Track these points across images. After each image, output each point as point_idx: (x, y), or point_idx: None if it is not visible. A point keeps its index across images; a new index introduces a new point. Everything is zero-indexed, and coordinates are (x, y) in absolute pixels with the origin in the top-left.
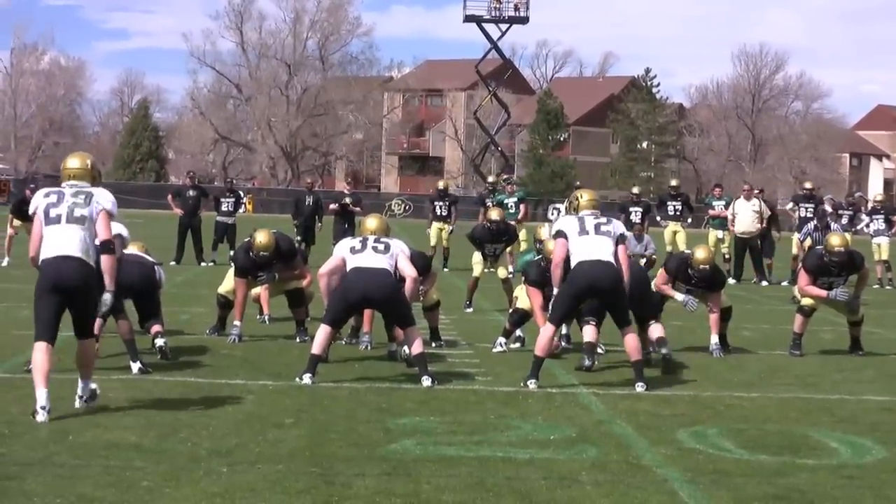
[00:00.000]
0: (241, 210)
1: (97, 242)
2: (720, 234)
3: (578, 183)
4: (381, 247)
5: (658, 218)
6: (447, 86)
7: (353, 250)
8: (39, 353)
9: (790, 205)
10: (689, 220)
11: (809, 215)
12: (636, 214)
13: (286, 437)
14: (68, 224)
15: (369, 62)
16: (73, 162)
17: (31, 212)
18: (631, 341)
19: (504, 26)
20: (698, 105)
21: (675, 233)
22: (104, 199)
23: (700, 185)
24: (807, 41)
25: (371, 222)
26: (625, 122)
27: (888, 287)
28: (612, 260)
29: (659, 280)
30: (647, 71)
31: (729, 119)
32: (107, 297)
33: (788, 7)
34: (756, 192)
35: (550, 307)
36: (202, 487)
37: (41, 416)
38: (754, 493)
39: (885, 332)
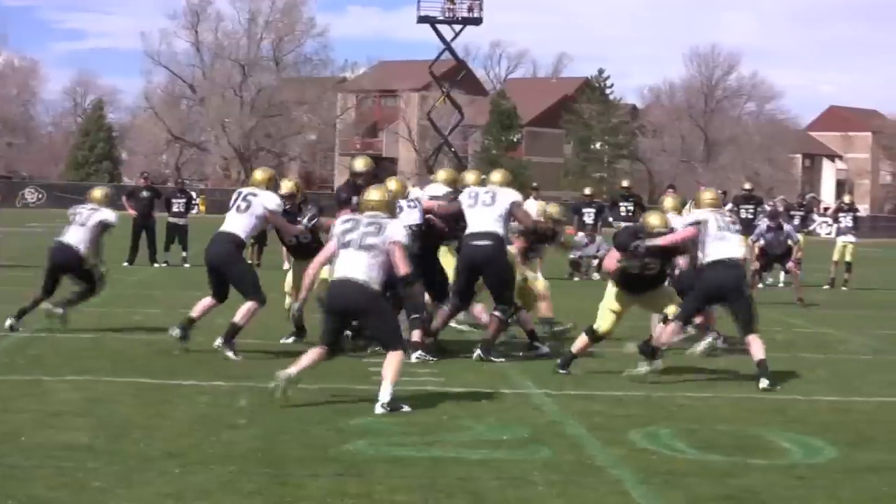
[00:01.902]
0: (193, 211)
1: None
2: None
3: (535, 184)
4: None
5: (610, 219)
6: (401, 86)
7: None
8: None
9: (730, 206)
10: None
11: (750, 216)
12: (589, 216)
13: (239, 437)
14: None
15: (323, 63)
16: (374, 195)
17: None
18: (751, 342)
19: (458, 27)
20: (651, 106)
21: None
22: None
23: (653, 185)
24: (760, 42)
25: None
26: (578, 122)
27: (843, 288)
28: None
29: (608, 262)
30: (601, 72)
31: (682, 120)
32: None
33: (741, 8)
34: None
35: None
36: (155, 488)
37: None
38: (706, 494)
39: (837, 333)
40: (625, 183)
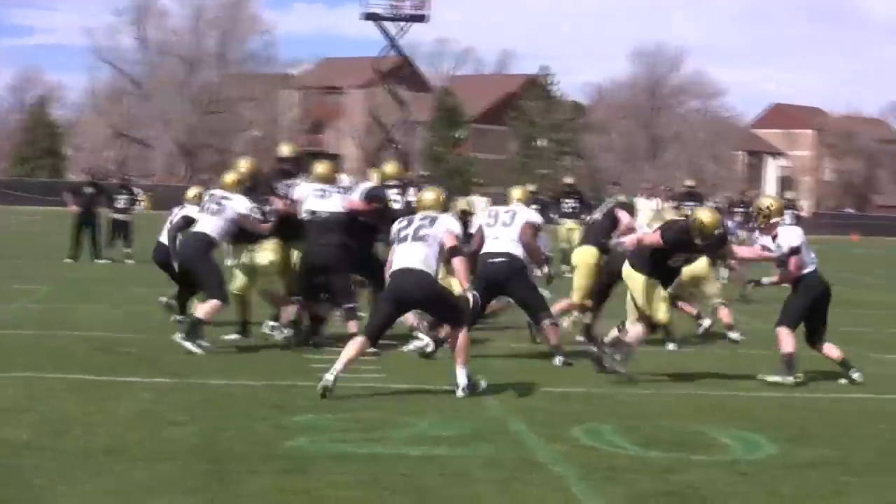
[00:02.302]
0: (136, 207)
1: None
2: None
3: (482, 181)
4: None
5: (554, 215)
6: (346, 83)
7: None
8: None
9: (673, 203)
10: (586, 218)
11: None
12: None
13: (181, 434)
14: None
15: (268, 60)
16: (429, 195)
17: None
18: (826, 349)
19: (403, 24)
20: (596, 103)
21: (570, 230)
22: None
23: (596, 182)
24: (704, 40)
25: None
26: (523, 120)
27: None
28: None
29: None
30: (545, 69)
31: (626, 117)
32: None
33: (686, 6)
34: (664, 189)
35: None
36: (96, 485)
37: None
38: (648, 490)
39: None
40: (568, 180)
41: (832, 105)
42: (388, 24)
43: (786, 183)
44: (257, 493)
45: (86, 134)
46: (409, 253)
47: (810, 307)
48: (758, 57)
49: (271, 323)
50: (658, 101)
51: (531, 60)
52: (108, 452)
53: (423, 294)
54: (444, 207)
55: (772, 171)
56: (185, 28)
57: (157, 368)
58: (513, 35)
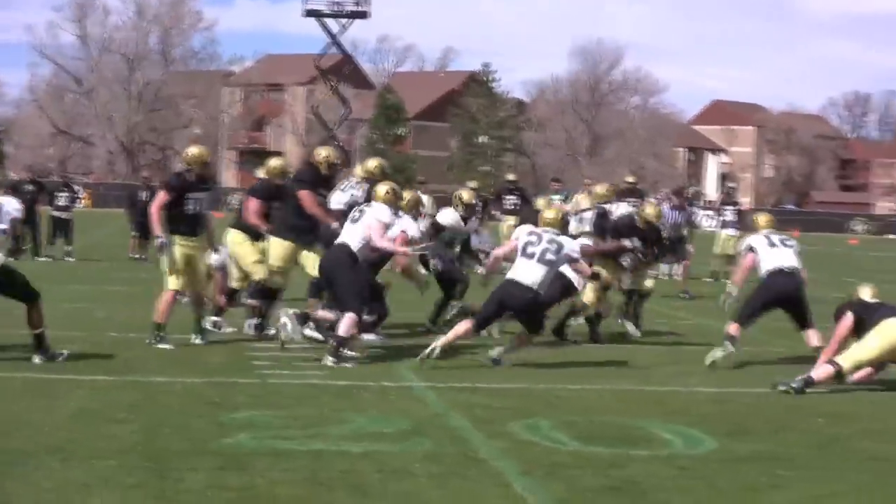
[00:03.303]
0: (77, 204)
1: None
2: None
3: (422, 178)
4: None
5: (496, 212)
6: (287, 80)
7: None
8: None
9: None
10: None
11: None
12: None
13: (120, 432)
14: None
15: (210, 57)
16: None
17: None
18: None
19: (345, 21)
20: (537, 100)
21: (512, 227)
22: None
23: (538, 179)
24: (644, 37)
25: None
26: (464, 116)
27: (726, 281)
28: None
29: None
30: (487, 66)
31: (567, 114)
32: None
33: (627, 3)
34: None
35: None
36: (34, 483)
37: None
38: (588, 485)
39: (718, 325)
40: (510, 176)
41: (772, 101)
42: (330, 21)
43: (726, 179)
44: (197, 489)
45: (26, 131)
46: (527, 270)
47: (763, 305)
48: (698, 54)
49: (213, 318)
50: (599, 97)
51: (473, 57)
52: (47, 450)
53: (520, 305)
54: (563, 225)
55: (712, 167)
56: (126, 25)
57: (98, 366)
58: (455, 32)
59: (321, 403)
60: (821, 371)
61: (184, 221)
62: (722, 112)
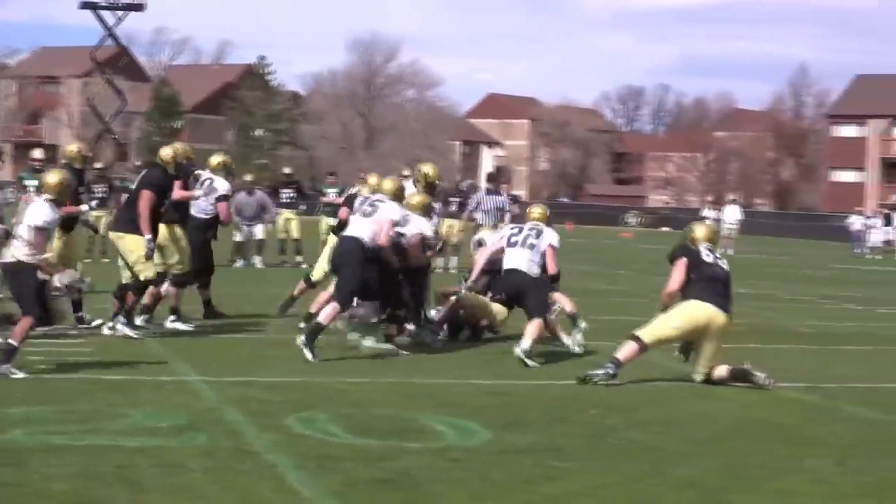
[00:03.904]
0: None
1: None
2: (332, 221)
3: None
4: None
5: (273, 207)
6: (63, 73)
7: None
8: None
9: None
10: (303, 208)
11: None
12: (250, 204)
13: None
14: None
15: None
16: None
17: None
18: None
19: (121, 13)
20: (313, 93)
21: (288, 220)
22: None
23: (314, 172)
24: (420, 30)
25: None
26: (240, 109)
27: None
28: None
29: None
30: (262, 58)
31: (343, 107)
32: None
33: None
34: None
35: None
36: None
37: None
38: (361, 477)
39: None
40: (287, 170)
41: (547, 95)
42: (105, 14)
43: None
44: None
45: None
46: (517, 257)
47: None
48: (474, 48)
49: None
50: (374, 91)
51: (249, 50)
52: None
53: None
54: (549, 222)
55: (487, 160)
56: None
57: None
58: (231, 24)
59: (97, 398)
60: (626, 349)
61: None
62: (497, 105)
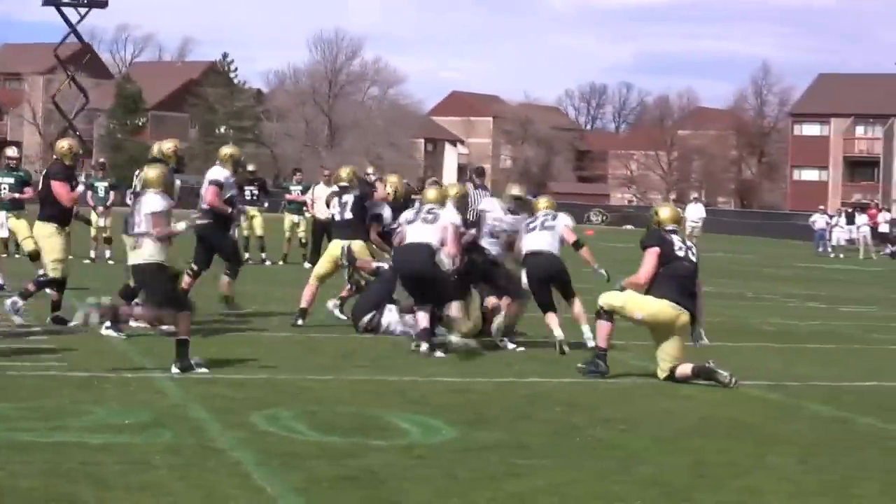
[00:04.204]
0: None
1: None
2: (296, 218)
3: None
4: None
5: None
6: (26, 70)
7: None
8: None
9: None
10: (266, 205)
11: None
12: None
13: None
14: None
15: None
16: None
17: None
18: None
19: (83, 10)
20: (276, 90)
21: (252, 217)
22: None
23: (278, 169)
24: (383, 27)
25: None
26: (203, 106)
27: None
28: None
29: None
30: (225, 56)
31: (306, 104)
32: None
33: None
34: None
35: None
36: None
37: None
38: (325, 474)
39: None
40: (250, 167)
41: (510, 93)
42: (68, 10)
43: (464, 170)
44: None
45: None
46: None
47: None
48: (435, 45)
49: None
50: (337, 88)
51: (212, 47)
52: None
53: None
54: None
55: (451, 158)
56: None
57: None
58: (194, 21)
59: (62, 395)
60: (600, 333)
61: None
62: (460, 103)
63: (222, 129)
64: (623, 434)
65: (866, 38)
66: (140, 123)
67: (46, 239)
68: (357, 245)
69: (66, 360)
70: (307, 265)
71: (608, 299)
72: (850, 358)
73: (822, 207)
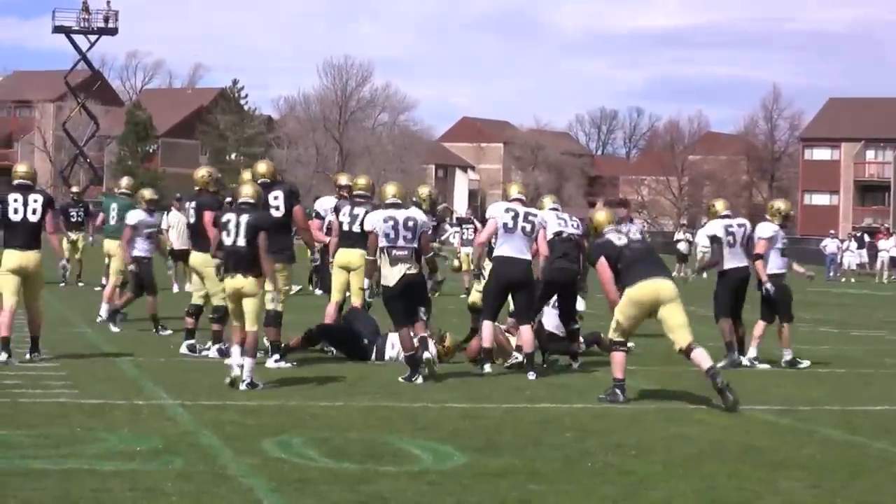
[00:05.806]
0: None
1: None
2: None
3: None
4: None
5: None
6: (36, 97)
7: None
8: None
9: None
10: None
11: None
12: None
13: None
14: None
15: None
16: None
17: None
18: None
19: (94, 37)
20: (287, 117)
21: None
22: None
23: None
24: (393, 54)
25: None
26: (213, 133)
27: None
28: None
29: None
30: (235, 82)
31: (317, 131)
32: None
33: (375, 20)
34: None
35: None
36: None
37: None
38: (337, 500)
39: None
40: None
41: (520, 119)
42: (79, 38)
43: (475, 196)
44: None
45: None
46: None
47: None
48: (445, 71)
49: None
50: (347, 114)
51: (223, 74)
52: None
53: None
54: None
55: (461, 183)
56: None
57: None
58: (204, 48)
59: (73, 422)
60: (615, 363)
61: None
62: (471, 129)
63: (233, 156)
64: (634, 459)
65: (876, 62)
66: (150, 150)
67: (208, 268)
68: (356, 254)
69: (78, 387)
70: (318, 291)
71: (610, 329)
72: (861, 382)
73: (832, 232)
